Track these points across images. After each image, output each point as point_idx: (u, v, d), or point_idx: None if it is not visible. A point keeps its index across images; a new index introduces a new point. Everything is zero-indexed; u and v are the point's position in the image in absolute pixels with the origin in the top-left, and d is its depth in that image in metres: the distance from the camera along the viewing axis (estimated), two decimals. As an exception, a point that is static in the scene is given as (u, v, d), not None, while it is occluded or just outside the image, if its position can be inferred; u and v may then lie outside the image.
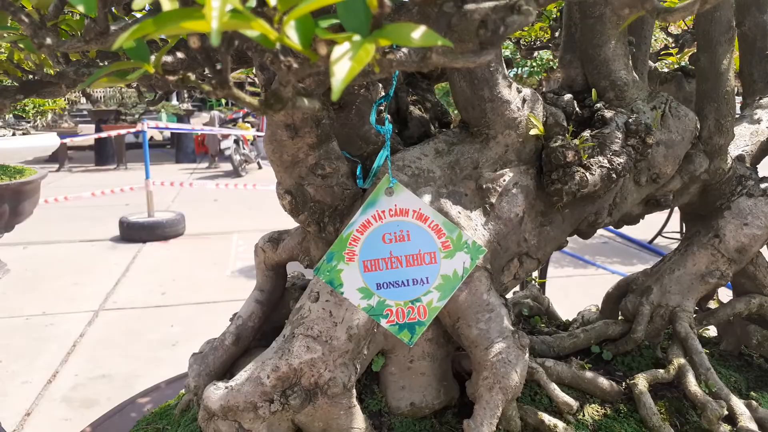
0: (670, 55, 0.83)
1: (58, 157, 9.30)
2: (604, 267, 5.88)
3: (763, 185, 0.65)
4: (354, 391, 0.52)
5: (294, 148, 0.54)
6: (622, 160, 0.54)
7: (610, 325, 0.67)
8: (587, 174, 0.53)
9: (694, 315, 0.70)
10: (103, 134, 8.60)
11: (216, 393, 0.51)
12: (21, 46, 0.32)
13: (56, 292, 5.04)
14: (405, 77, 0.67)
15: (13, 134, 5.02)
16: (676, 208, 5.15)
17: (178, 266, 6.19)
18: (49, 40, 0.27)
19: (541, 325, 0.75)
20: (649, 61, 0.82)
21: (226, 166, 8.72)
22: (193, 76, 0.23)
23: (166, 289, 5.22)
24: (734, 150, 0.69)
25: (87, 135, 9.40)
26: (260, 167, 8.05)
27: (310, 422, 0.51)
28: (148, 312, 4.02)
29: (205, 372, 0.60)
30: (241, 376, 0.51)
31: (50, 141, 5.33)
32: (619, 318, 0.70)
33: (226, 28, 0.18)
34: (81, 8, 0.22)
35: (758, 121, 0.71)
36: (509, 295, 0.87)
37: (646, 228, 7.08)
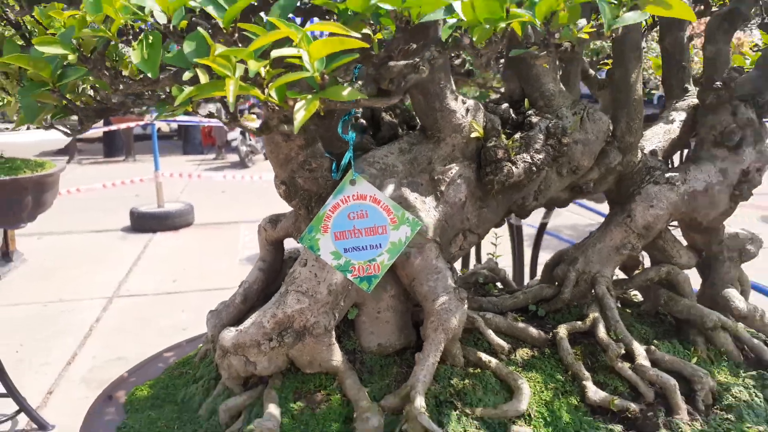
0: (606, 64, 0.98)
1: (69, 150, 9.44)
2: (600, 254, 6.01)
3: (667, 175, 0.80)
4: (333, 333, 0.68)
5: (287, 149, 0.70)
6: (541, 157, 0.70)
7: (544, 288, 0.83)
8: (513, 168, 0.69)
9: (615, 280, 0.86)
10: (113, 127, 8.73)
11: (229, 335, 0.68)
12: (98, 86, 0.47)
13: (71, 280, 5.25)
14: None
15: (28, 128, 5.20)
16: None
17: (188, 255, 6.38)
18: (122, 87, 0.43)
19: (494, 291, 0.91)
20: (591, 70, 0.98)
21: (233, 157, 8.86)
22: (215, 114, 0.39)
23: (176, 277, 5.41)
24: (650, 146, 0.84)
25: (96, 128, 9.49)
26: (266, 158, 8.21)
27: (299, 356, 0.67)
28: (160, 299, 4.19)
29: (219, 324, 0.77)
30: (248, 321, 0.68)
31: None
32: (555, 283, 0.86)
33: (237, 93, 0.33)
34: (150, 75, 0.38)
35: (672, 122, 0.86)
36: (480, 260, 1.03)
37: None
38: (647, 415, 0.71)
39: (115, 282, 5.35)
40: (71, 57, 0.39)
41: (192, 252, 6.46)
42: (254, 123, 0.45)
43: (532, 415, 0.67)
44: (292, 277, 0.68)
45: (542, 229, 3.20)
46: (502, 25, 0.41)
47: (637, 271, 0.91)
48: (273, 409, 0.64)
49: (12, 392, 2.91)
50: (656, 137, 0.85)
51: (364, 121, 0.77)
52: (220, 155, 8.95)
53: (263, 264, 0.80)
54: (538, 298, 0.83)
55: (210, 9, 0.36)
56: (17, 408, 2.97)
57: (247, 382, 0.71)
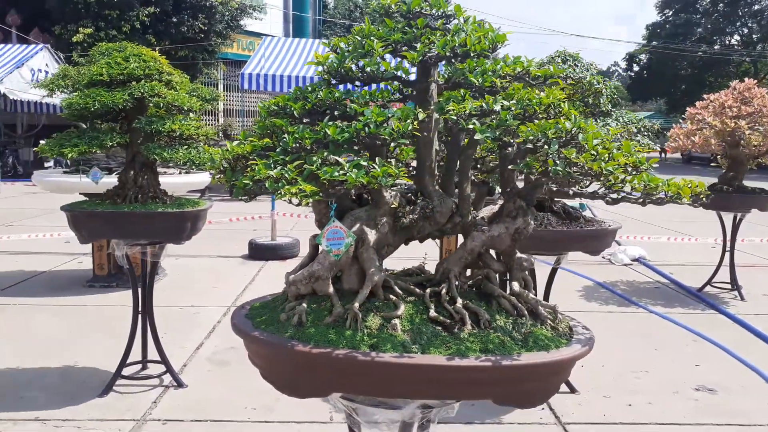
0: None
1: (203, 190, 11.20)
2: (644, 306, 6.82)
3: (483, 228, 1.82)
4: (330, 280, 1.75)
5: (319, 207, 1.79)
6: (417, 216, 1.74)
7: (431, 275, 1.86)
8: (405, 220, 1.74)
9: (467, 273, 1.87)
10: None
11: (291, 277, 1.76)
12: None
13: (200, 291, 6.87)
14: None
15: (180, 172, 6.77)
16: (726, 263, 5.98)
17: (290, 279, 7.60)
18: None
19: (414, 276, 1.94)
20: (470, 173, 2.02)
21: (335, 203, 10.22)
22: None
23: (280, 294, 6.67)
24: (481, 215, 1.86)
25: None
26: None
27: (316, 287, 1.74)
28: (266, 310, 5.41)
29: (288, 276, 1.86)
30: (299, 273, 1.76)
31: (205, 177, 7.13)
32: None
33: (292, 198, 1.40)
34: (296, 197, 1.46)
35: (496, 205, 1.88)
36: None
37: (698, 277, 7.86)
38: (453, 325, 1.70)
39: (233, 295, 6.86)
40: (273, 173, 1.50)
41: (293, 277, 7.70)
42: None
43: (402, 317, 1.70)
44: (317, 257, 1.77)
45: (553, 272, 4.23)
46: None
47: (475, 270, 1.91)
48: (304, 305, 1.73)
49: (163, 359, 4.27)
50: (486, 211, 1.87)
51: (354, 197, 1.87)
52: (324, 200, 10.26)
53: (309, 254, 1.90)
54: (428, 278, 1.86)
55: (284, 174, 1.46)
56: (164, 369, 4.34)
57: (297, 298, 1.79)
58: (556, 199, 3.77)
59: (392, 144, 1.49)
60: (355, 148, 1.70)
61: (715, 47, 35.56)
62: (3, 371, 4.07)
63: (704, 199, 1.75)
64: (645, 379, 4.37)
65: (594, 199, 1.81)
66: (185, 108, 3.93)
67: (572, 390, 4.04)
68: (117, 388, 4.06)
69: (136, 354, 4.16)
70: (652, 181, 1.69)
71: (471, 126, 1.50)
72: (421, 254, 2.18)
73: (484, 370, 1.55)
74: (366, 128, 1.48)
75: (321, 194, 1.45)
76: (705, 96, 6.63)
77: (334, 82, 1.76)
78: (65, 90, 6.87)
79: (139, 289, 4.14)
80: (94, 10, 19.24)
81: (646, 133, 3.66)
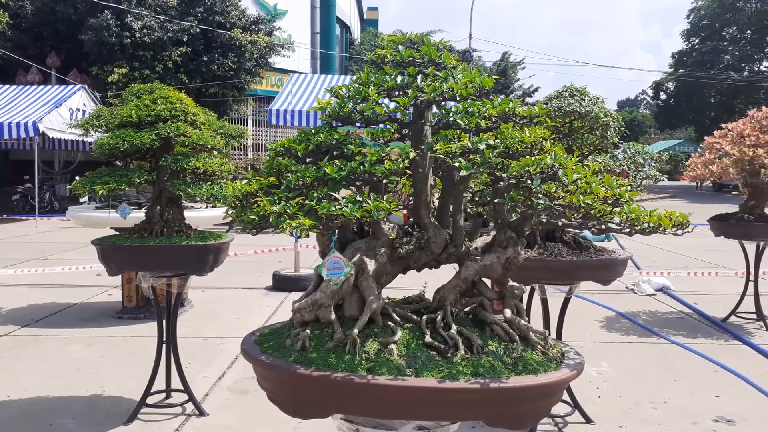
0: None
1: (230, 222, 11.42)
2: (665, 337, 6.81)
3: (476, 257, 1.93)
4: (332, 307, 1.87)
5: (322, 239, 1.93)
6: (412, 247, 1.86)
7: (428, 302, 1.96)
8: (401, 250, 1.86)
9: (464, 300, 1.97)
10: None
11: (296, 305, 1.89)
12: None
13: (225, 322, 7.04)
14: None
15: (206, 207, 6.98)
16: (750, 292, 5.98)
17: (312, 310, 7.71)
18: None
19: (414, 303, 2.05)
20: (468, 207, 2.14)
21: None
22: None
23: (301, 324, 6.77)
24: (475, 245, 1.97)
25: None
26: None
27: (318, 314, 1.87)
28: (288, 340, 5.53)
29: (294, 303, 1.99)
30: (303, 301, 1.89)
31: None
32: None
33: (292, 230, 1.54)
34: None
35: (489, 235, 1.99)
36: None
37: (724, 307, 7.85)
38: (447, 350, 1.80)
39: (257, 325, 6.97)
40: (276, 208, 1.65)
41: (315, 308, 7.80)
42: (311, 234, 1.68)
43: (398, 343, 1.81)
44: (320, 286, 1.90)
45: (566, 302, 4.30)
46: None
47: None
48: (307, 331, 1.85)
49: (186, 388, 4.41)
50: (479, 242, 1.99)
51: (356, 229, 2.00)
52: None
53: (314, 283, 2.03)
54: (425, 306, 1.97)
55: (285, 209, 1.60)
56: (187, 398, 4.48)
57: (301, 324, 1.92)
58: (567, 230, 3.86)
59: (384, 181, 1.62)
60: (357, 184, 1.84)
61: (744, 74, 35.26)
62: (35, 399, 4.27)
63: (689, 229, 1.84)
64: (662, 410, 4.36)
65: (581, 229, 1.91)
66: (209, 146, 4.14)
67: (588, 420, 4.05)
68: (141, 416, 4.22)
69: (160, 383, 4.30)
70: (633, 213, 1.79)
71: (456, 164, 1.63)
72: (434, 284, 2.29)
73: (472, 392, 1.65)
74: (361, 167, 1.62)
75: (320, 227, 1.58)
76: (723, 125, 6.66)
77: (336, 124, 1.91)
78: (99, 129, 7.21)
79: (164, 320, 4.30)
80: (129, 51, 20.04)
81: (654, 164, 3.74)
